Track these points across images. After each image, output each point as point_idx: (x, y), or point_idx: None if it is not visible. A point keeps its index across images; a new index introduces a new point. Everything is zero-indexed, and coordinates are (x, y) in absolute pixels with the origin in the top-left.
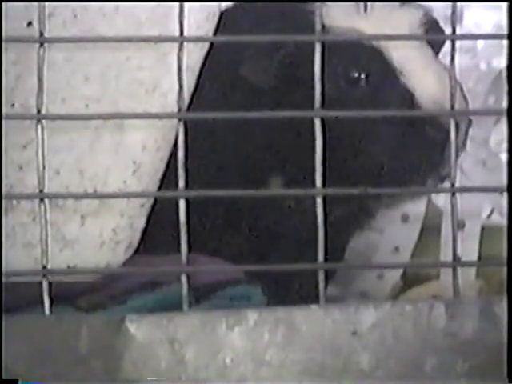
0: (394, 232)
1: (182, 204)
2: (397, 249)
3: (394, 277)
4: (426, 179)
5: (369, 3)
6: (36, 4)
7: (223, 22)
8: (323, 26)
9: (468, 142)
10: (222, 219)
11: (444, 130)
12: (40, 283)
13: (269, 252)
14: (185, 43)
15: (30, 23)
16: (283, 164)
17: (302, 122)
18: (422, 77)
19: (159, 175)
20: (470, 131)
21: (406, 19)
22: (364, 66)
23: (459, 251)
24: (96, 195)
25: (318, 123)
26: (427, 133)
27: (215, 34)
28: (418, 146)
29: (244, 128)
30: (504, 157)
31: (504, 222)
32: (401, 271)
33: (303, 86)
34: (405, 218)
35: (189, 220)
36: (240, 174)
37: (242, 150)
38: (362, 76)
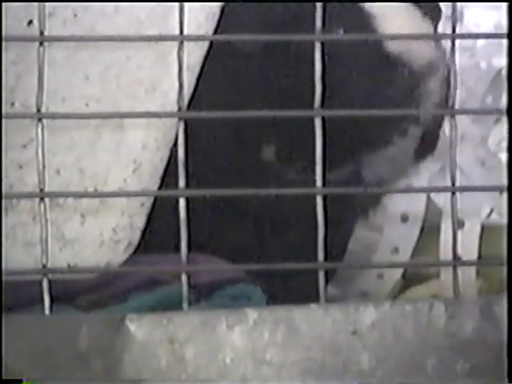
0: (393, 232)
1: (182, 203)
2: (396, 249)
3: (394, 277)
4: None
5: None
6: (36, 3)
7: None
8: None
9: (466, 142)
10: (221, 214)
11: (413, 70)
12: (40, 282)
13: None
14: (185, 42)
15: (30, 22)
16: (276, 132)
17: (295, 91)
18: (393, 18)
19: (159, 174)
20: (469, 130)
21: None
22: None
23: (459, 251)
24: (96, 194)
25: (318, 123)
26: (398, 72)
27: (215, 31)
28: (389, 85)
29: (237, 96)
30: (503, 156)
31: (503, 221)
32: (401, 271)
33: (290, 52)
34: (404, 218)
35: (189, 219)
36: (233, 142)
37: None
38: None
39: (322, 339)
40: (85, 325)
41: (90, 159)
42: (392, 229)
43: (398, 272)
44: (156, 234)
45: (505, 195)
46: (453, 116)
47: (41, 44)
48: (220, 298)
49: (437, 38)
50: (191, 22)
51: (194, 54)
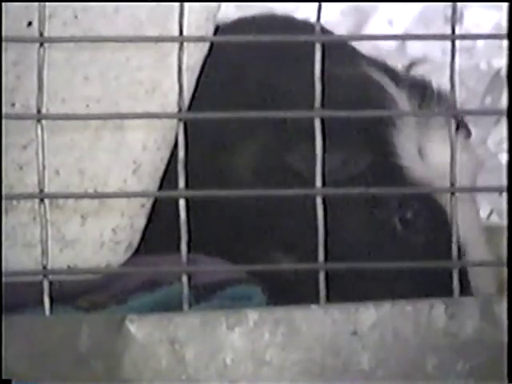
0: None
1: (181, 203)
2: None
3: None
4: None
5: None
6: (36, 4)
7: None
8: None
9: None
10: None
11: None
12: (40, 283)
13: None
14: (185, 43)
15: (30, 23)
16: None
17: None
18: None
19: (159, 175)
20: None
21: None
22: None
23: None
24: (96, 195)
25: (317, 123)
26: None
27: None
28: None
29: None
30: (502, 157)
31: (503, 222)
32: None
33: None
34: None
35: (189, 220)
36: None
37: None
38: None
39: (323, 340)
40: (85, 326)
41: (90, 160)
42: None
43: None
44: (156, 234)
45: (504, 196)
46: (453, 116)
47: (41, 45)
48: (220, 298)
49: (437, 38)
50: (191, 23)
51: (194, 55)
